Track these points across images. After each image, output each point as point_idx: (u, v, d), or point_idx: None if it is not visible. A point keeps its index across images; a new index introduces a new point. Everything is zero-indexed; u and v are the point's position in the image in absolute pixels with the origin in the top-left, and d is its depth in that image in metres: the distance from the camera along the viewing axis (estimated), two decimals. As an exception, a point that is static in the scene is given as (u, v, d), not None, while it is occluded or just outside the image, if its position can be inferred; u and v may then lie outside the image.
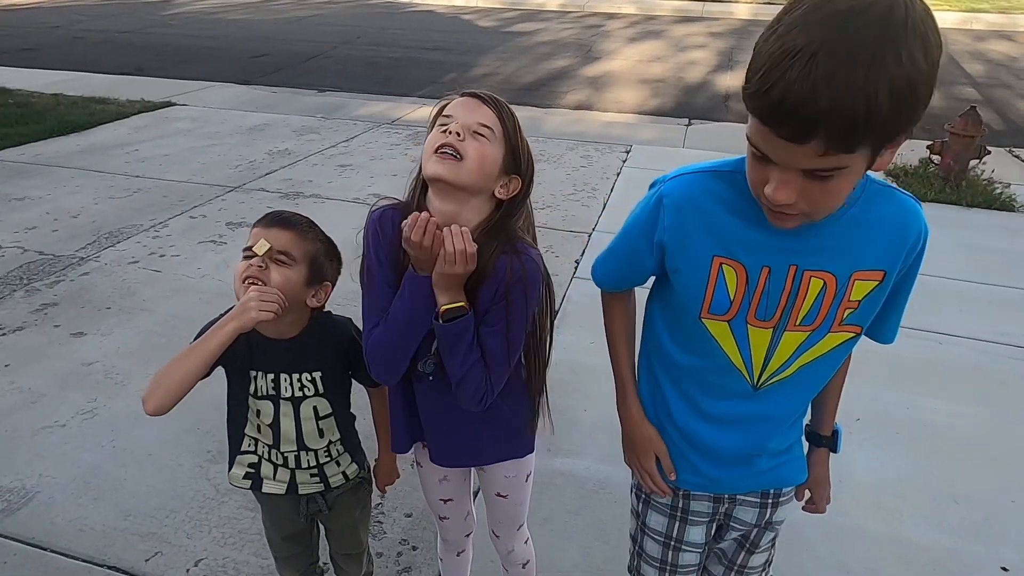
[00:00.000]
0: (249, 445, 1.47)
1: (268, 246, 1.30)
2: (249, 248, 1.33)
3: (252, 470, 1.49)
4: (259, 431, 1.44)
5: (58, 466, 2.35)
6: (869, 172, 0.96)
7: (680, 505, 1.30)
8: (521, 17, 13.54)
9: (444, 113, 1.27)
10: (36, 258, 3.84)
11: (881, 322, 1.14)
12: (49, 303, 3.39)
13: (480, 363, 1.24)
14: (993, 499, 2.33)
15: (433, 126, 1.26)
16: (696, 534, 1.31)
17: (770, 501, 1.29)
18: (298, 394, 1.41)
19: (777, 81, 0.82)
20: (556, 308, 1.36)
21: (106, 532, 2.10)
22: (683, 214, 1.08)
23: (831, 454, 1.35)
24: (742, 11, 13.70)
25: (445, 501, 1.57)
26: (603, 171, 5.65)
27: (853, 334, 1.10)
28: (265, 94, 7.85)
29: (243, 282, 1.30)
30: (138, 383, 2.80)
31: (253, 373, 1.39)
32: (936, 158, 5.45)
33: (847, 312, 1.07)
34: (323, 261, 1.40)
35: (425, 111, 7.30)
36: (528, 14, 13.91)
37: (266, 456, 1.47)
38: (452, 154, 1.19)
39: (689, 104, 7.97)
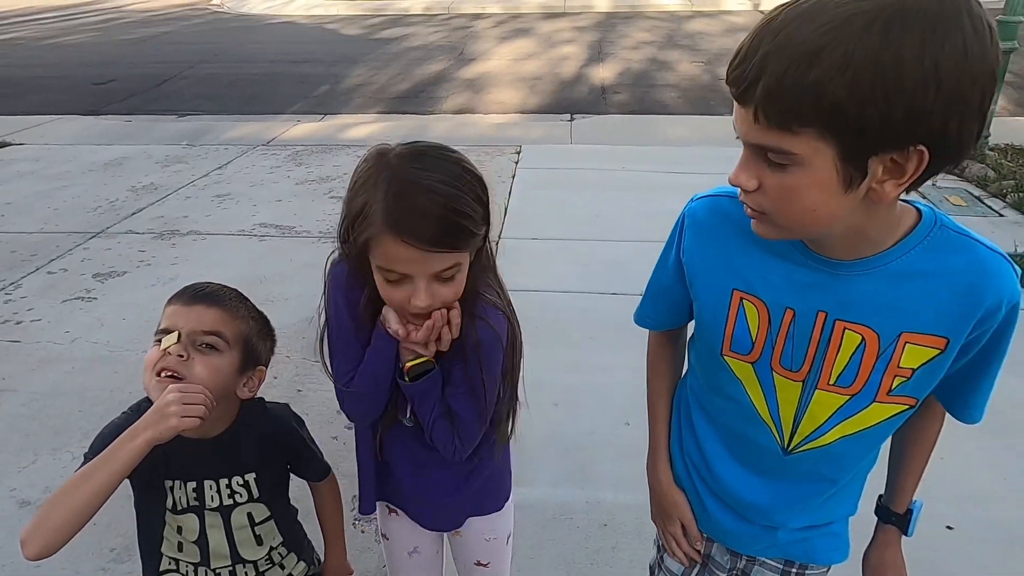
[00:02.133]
0: (170, 564, 1.22)
1: (176, 337, 1.07)
2: (162, 332, 1.10)
3: None
4: (180, 550, 1.20)
5: (-82, 602, 1.94)
6: (940, 214, 0.86)
7: (702, 550, 1.20)
8: (386, 23, 13.21)
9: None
10: None
11: (958, 397, 0.98)
12: None
13: (444, 419, 1.16)
14: None
15: None
16: None
17: (794, 571, 1.15)
18: (227, 502, 1.19)
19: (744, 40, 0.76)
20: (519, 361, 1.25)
21: (-7, 676, 1.74)
22: (703, 238, 0.98)
23: (903, 537, 1.14)
24: (603, 4, 14.09)
25: (410, 554, 1.40)
26: (497, 174, 5.55)
27: (906, 407, 0.94)
28: (118, 124, 7.14)
29: (156, 375, 1.06)
30: (9, 480, 2.39)
31: (169, 484, 1.15)
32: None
33: (896, 381, 0.91)
34: (256, 342, 1.18)
35: (303, 128, 6.98)
36: (393, 19, 13.60)
37: (192, 575, 1.23)
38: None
39: (569, 99, 8.05)
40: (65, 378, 2.96)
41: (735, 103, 0.78)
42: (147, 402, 1.12)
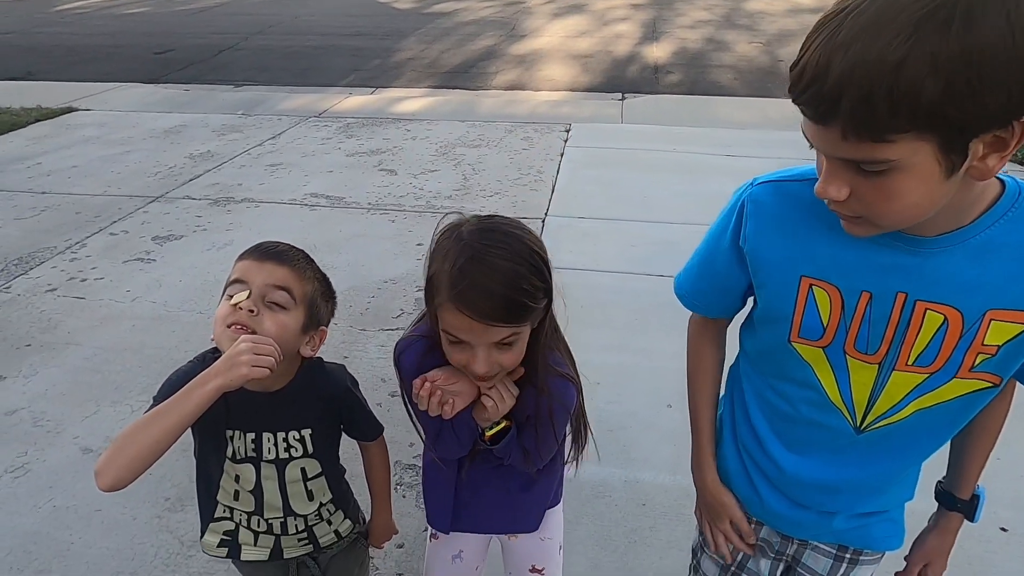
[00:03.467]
0: (224, 512, 1.27)
1: (247, 292, 1.10)
2: (237, 282, 1.13)
3: (228, 537, 1.29)
4: (236, 498, 1.25)
5: (-10, 537, 2.07)
6: (1019, 181, 0.82)
7: (754, 543, 1.18)
8: (439, -3, 13.17)
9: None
10: (-65, 295, 3.42)
11: None
12: (-44, 346, 3.01)
13: (519, 453, 1.23)
14: None
15: None
16: (762, 566, 1.18)
17: (848, 556, 1.12)
18: (283, 455, 1.22)
19: (802, 52, 0.72)
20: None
21: (58, 609, 1.85)
22: (768, 225, 0.94)
23: (963, 523, 1.12)
24: (659, -19, 13.73)
25: (454, 557, 1.42)
26: (546, 152, 5.52)
27: (989, 384, 0.90)
28: (177, 93, 7.33)
29: (228, 327, 1.10)
30: (73, 429, 2.51)
31: (230, 433, 1.19)
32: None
33: (980, 358, 0.88)
34: (320, 303, 1.21)
35: (354, 101, 7.04)
36: (446, -7, 13.54)
37: (245, 524, 1.28)
38: None
39: (620, 78, 7.91)
40: (126, 335, 3.08)
41: (810, 121, 0.74)
42: (212, 353, 1.16)
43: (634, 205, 4.49)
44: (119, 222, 4.22)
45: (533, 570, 1.38)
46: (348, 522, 1.35)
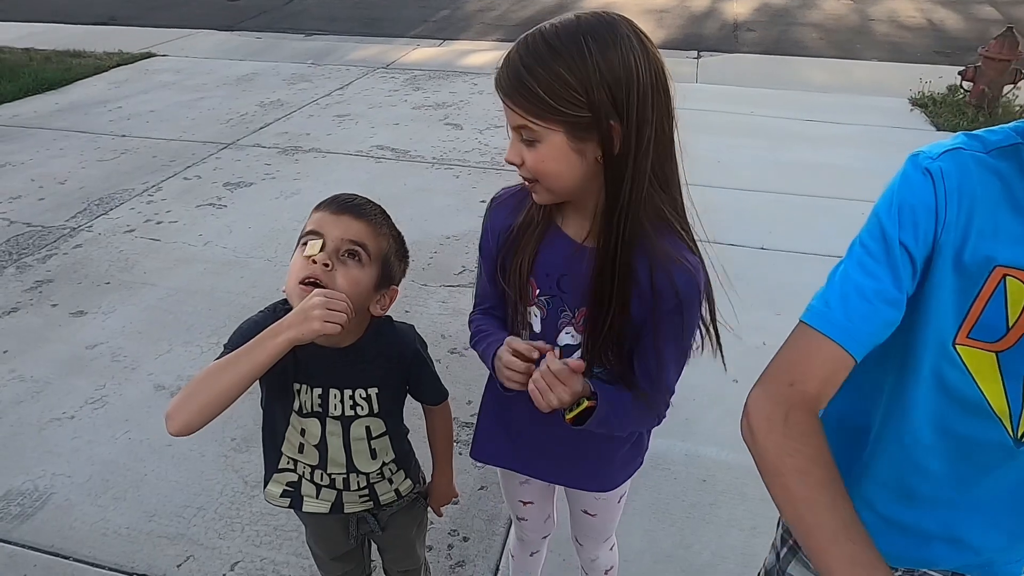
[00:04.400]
0: (288, 464, 1.28)
1: (321, 244, 1.08)
2: (312, 234, 1.10)
3: (291, 488, 1.30)
4: (300, 451, 1.25)
5: (71, 463, 2.18)
6: None
7: None
8: (512, -53, 12.80)
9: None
10: (24, 230, 3.59)
11: None
12: (43, 280, 3.16)
13: (634, 414, 1.10)
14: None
15: None
16: None
17: None
18: (349, 413, 1.21)
19: None
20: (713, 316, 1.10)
21: (131, 536, 1.94)
22: (963, 203, 0.76)
23: None
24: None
25: (524, 503, 1.41)
26: (616, 111, 5.34)
27: None
28: (249, 40, 7.40)
29: (301, 283, 1.07)
30: (148, 366, 2.61)
31: (297, 387, 1.18)
32: (968, 84, 5.17)
33: None
34: (393, 261, 1.18)
35: (422, 53, 6.96)
36: (519, -57, 13.15)
37: (308, 477, 1.28)
38: None
39: (697, 35, 7.57)
40: (197, 278, 3.17)
41: None
42: (283, 305, 1.14)
43: (708, 170, 4.31)
44: (193, 167, 4.32)
45: (585, 512, 1.35)
46: (408, 482, 1.34)
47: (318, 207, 1.14)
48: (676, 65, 6.52)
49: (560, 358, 0.99)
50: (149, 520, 1.99)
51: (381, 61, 6.61)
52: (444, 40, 7.51)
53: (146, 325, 2.85)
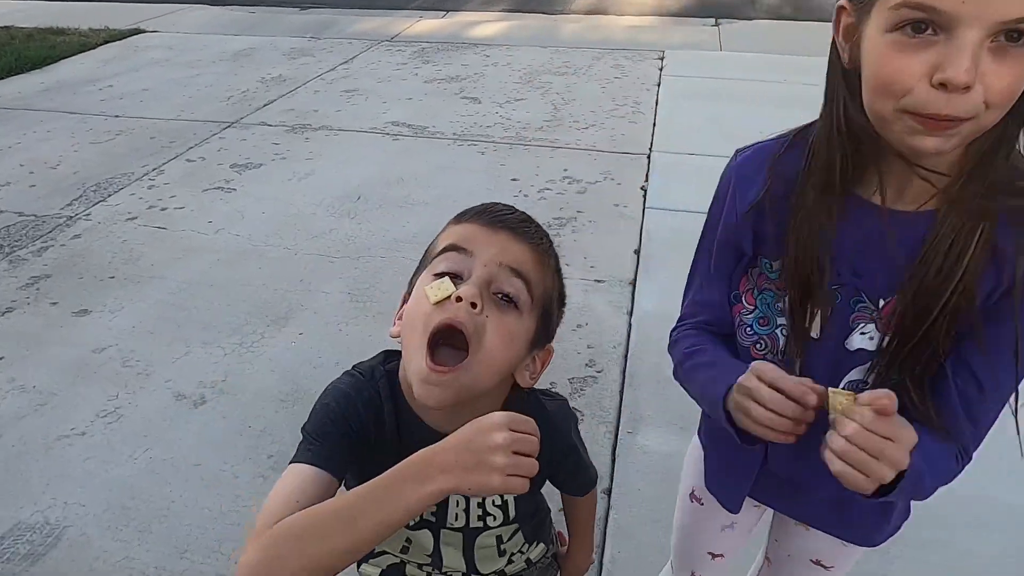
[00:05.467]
0: (389, 552, 0.96)
1: (471, 275, 0.74)
2: (454, 250, 0.76)
3: (394, 572, 0.97)
4: (406, 552, 0.94)
5: (85, 489, 1.90)
6: None
7: None
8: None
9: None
10: (16, 220, 3.27)
11: None
12: (40, 275, 2.85)
13: (943, 467, 0.77)
14: None
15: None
16: None
17: None
18: (475, 524, 0.88)
19: None
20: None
21: (162, 576, 1.67)
22: None
23: None
24: None
25: (714, 556, 1.14)
26: (640, 81, 5.04)
27: None
28: (243, 15, 7.00)
29: (433, 333, 0.72)
30: (164, 371, 2.32)
31: None
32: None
33: None
34: (555, 308, 0.84)
35: (426, 25, 6.60)
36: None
37: (416, 567, 0.96)
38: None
39: (712, 2, 7.22)
40: (210, 269, 2.87)
41: None
42: (388, 360, 0.84)
43: (746, 141, 4.00)
44: (195, 148, 3.99)
45: (816, 563, 1.05)
46: (541, 546, 1.05)
47: (460, 217, 0.81)
48: (693, 33, 6.25)
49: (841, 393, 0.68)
50: (181, 557, 1.71)
51: (384, 34, 6.25)
52: (448, 12, 7.14)
53: (158, 324, 2.56)
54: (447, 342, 0.72)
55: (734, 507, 1.03)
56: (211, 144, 4.04)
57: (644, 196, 3.39)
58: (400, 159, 3.83)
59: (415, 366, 0.72)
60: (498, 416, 0.65)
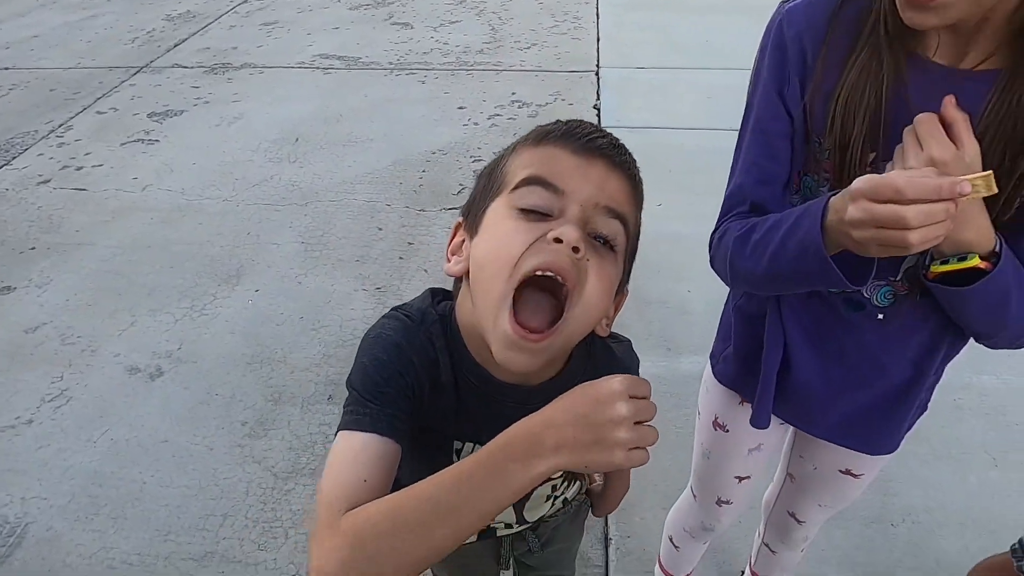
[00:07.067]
0: None
1: (572, 214, 0.61)
2: (536, 183, 0.62)
3: None
4: None
5: (43, 481, 1.73)
6: None
7: None
8: None
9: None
10: (-94, 195, 2.90)
11: None
12: (-53, 253, 2.55)
13: None
14: None
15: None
16: None
17: None
18: None
19: None
20: None
21: (147, 564, 1.55)
22: None
23: None
24: None
25: (741, 479, 1.10)
26: (578, -6, 4.81)
27: None
28: (134, -56, 6.30)
29: (528, 278, 0.59)
30: (111, 345, 2.13)
31: (459, 445, 0.74)
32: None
33: None
34: (635, 245, 0.70)
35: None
36: None
37: None
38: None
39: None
40: (145, 230, 2.63)
41: None
42: (435, 295, 0.73)
43: (697, 52, 3.91)
44: (104, 98, 3.61)
45: (847, 473, 1.02)
46: (577, 484, 0.98)
47: (540, 138, 0.66)
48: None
49: None
50: (164, 540, 1.59)
51: (298, -42, 5.74)
52: (364, -70, 6.60)
53: (95, 295, 2.33)
54: (531, 285, 0.60)
55: (764, 422, 0.98)
56: (122, 93, 3.66)
57: (598, 115, 3.27)
58: (336, 94, 3.57)
59: (498, 327, 0.60)
60: (616, 383, 0.54)
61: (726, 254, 0.83)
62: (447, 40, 4.18)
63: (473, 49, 4.04)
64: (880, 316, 0.81)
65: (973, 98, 0.67)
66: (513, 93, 3.51)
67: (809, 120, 0.77)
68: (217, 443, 1.82)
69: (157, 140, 3.22)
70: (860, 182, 0.62)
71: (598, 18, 4.42)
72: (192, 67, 3.92)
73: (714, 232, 0.87)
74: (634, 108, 3.29)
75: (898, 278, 0.78)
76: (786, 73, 0.77)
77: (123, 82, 3.77)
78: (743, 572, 1.43)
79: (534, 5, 4.69)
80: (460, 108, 3.42)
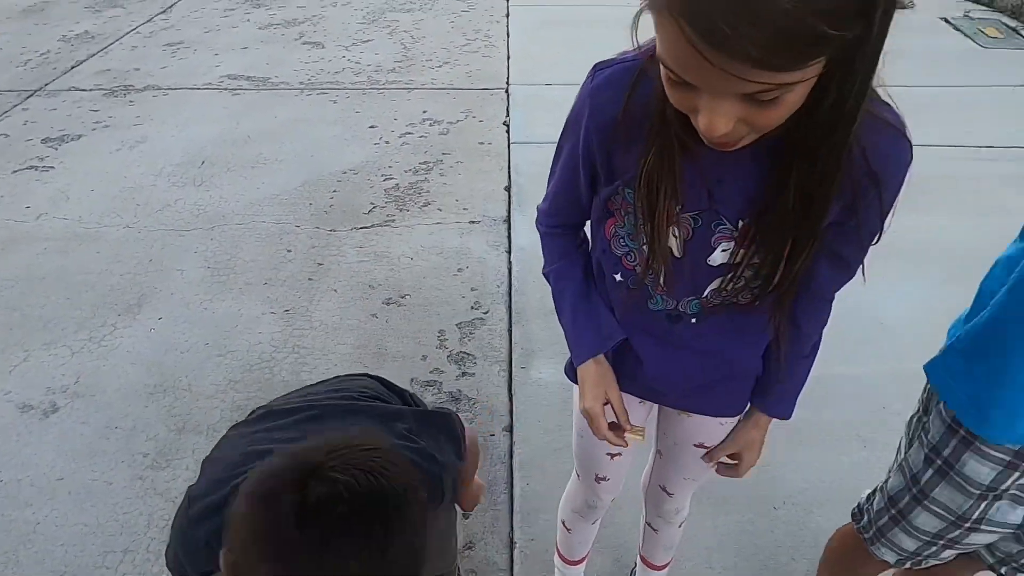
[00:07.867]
0: None
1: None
2: None
3: None
4: None
5: (-75, 529, 1.65)
6: None
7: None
8: None
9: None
10: None
11: None
12: None
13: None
14: None
15: None
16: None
17: None
18: None
19: None
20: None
21: (40, 607, 1.50)
22: None
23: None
24: None
25: (613, 456, 1.17)
26: (489, 13, 4.92)
27: None
28: (27, -38, 6.03)
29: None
30: (1, 383, 2.04)
31: None
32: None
33: None
34: None
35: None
36: None
37: None
38: None
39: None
40: (37, 260, 2.53)
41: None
42: None
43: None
44: (-6, 124, 3.45)
45: (700, 446, 1.12)
46: None
47: None
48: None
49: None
50: (59, 581, 1.54)
51: (204, -24, 5.63)
52: (274, -52, 6.53)
53: (-17, 331, 2.23)
54: None
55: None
56: (13, 118, 3.50)
57: (508, 132, 3.35)
58: (244, 116, 3.52)
59: None
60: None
61: (543, 253, 1.06)
62: (359, 59, 4.19)
63: (385, 68, 4.07)
64: (694, 320, 0.92)
65: (755, 165, 0.75)
66: (424, 111, 3.56)
67: (617, 175, 0.85)
68: (117, 477, 1.77)
69: (52, 167, 3.10)
70: (589, 405, 1.00)
71: (508, 36, 4.52)
72: (90, 90, 3.79)
73: (537, 220, 1.05)
74: (541, 124, 3.39)
75: (704, 295, 0.88)
76: (591, 140, 0.84)
77: (15, 106, 3.61)
78: (635, 562, 1.51)
79: (446, 24, 4.76)
80: (371, 127, 3.44)
